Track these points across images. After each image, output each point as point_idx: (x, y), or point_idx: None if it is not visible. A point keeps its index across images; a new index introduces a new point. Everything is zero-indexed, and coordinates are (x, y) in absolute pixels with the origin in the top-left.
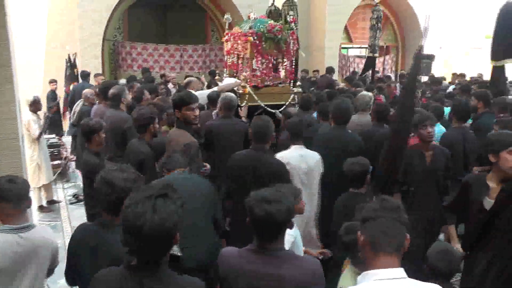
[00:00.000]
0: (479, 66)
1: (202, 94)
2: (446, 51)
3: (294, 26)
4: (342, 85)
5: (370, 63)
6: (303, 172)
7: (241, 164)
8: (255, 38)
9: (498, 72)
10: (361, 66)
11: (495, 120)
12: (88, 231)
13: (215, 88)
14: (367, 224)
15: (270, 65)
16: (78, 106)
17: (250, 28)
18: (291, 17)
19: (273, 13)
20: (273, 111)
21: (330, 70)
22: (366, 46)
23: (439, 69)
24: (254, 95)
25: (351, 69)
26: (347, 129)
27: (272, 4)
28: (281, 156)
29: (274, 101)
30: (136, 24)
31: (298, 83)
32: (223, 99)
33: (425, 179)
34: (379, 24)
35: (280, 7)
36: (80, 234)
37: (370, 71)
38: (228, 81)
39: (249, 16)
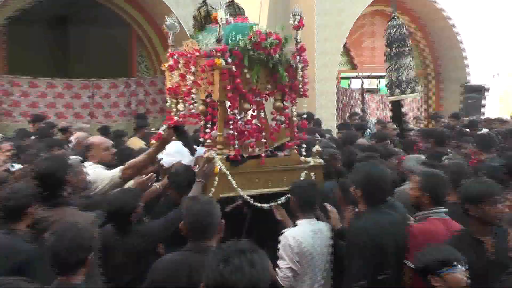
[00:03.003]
0: None
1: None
2: (504, 80)
3: (300, 38)
4: None
5: (395, 110)
6: (320, 254)
7: (170, 276)
8: (231, 59)
9: None
10: (373, 106)
11: None
12: None
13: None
14: None
15: (262, 114)
16: None
17: (218, 41)
18: (296, 20)
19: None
20: (265, 206)
21: (309, 117)
22: (378, 75)
23: (494, 106)
24: (230, 178)
25: (357, 109)
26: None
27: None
28: (291, 234)
29: (270, 186)
30: (20, 48)
31: (316, 147)
32: None
33: (486, 276)
34: (399, 48)
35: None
36: None
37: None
38: (171, 148)
39: (214, 17)
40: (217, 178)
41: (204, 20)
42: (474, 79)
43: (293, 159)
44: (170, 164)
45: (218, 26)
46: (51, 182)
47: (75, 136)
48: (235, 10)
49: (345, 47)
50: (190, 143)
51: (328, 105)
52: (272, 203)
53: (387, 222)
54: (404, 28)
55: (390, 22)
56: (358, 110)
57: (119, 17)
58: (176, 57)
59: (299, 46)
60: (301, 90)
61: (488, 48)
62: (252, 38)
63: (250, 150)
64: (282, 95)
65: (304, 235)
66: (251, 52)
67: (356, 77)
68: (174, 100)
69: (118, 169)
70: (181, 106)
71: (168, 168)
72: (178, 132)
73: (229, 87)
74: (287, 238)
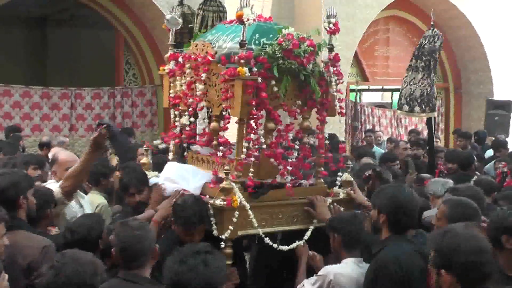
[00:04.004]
0: None
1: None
2: None
3: (334, 45)
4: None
5: (429, 128)
6: None
7: None
8: (257, 69)
9: None
10: (385, 122)
11: None
12: None
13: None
14: None
15: (290, 136)
16: None
17: (241, 45)
18: (331, 23)
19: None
20: (283, 247)
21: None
22: (392, 88)
23: None
24: (250, 215)
25: (368, 126)
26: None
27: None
28: (337, 272)
29: (296, 223)
30: None
31: (346, 175)
32: None
33: None
34: (426, 61)
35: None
36: None
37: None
38: (171, 172)
39: (239, 16)
40: (236, 213)
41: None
42: (498, 94)
43: (320, 189)
44: (171, 191)
45: (242, 27)
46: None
47: (52, 152)
48: (218, 8)
49: (356, 57)
50: (122, 149)
51: (336, 120)
52: (297, 243)
53: (415, 252)
54: (437, 39)
55: (425, 33)
56: (368, 126)
57: (104, 20)
58: (181, 60)
59: (333, 54)
60: (337, 107)
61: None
62: (284, 43)
63: (278, 178)
64: (308, 111)
65: (350, 279)
66: (281, 61)
67: (368, 90)
68: (177, 113)
69: (58, 184)
70: (185, 119)
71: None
72: (110, 134)
73: (253, 102)
74: (329, 274)
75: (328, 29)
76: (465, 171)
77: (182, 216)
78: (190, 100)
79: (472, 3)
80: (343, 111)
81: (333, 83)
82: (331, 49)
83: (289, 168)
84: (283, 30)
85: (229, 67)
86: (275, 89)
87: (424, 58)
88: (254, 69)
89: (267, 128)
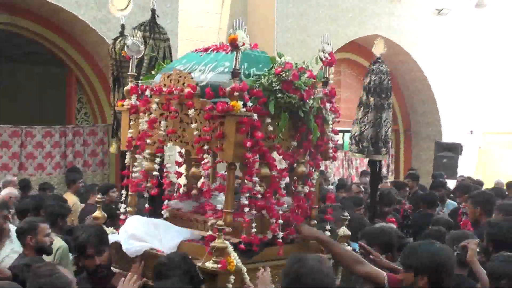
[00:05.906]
0: None
1: None
2: (480, 138)
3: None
4: None
5: (374, 170)
6: None
7: None
8: (252, 103)
9: None
10: (336, 163)
11: None
12: None
13: None
14: None
15: (283, 183)
16: None
17: (234, 74)
18: (326, 52)
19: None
20: None
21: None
22: (343, 129)
23: (470, 167)
24: (246, 277)
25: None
26: None
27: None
28: None
29: None
30: None
31: (343, 230)
32: None
33: None
34: (382, 100)
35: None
36: None
37: None
38: (136, 228)
39: (232, 40)
40: (232, 277)
41: (119, 56)
42: (446, 136)
43: (314, 245)
44: (139, 251)
45: (235, 53)
46: None
47: (4, 192)
48: (167, 36)
49: None
50: None
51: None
52: None
53: None
54: (389, 77)
55: (375, 66)
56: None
57: (56, 57)
58: (148, 94)
59: (329, 89)
60: (330, 151)
61: (461, 105)
62: (283, 74)
63: (269, 234)
64: (305, 154)
65: None
66: (279, 94)
67: None
68: (137, 156)
69: None
70: (147, 164)
71: (141, 257)
72: None
73: (249, 144)
74: None
75: (324, 59)
76: (431, 209)
77: (169, 277)
78: (148, 141)
79: (421, 48)
80: (335, 154)
81: (330, 122)
82: (326, 83)
83: (281, 222)
84: (277, 58)
85: (217, 101)
86: (270, 128)
87: (384, 95)
88: (249, 104)
89: (260, 175)
